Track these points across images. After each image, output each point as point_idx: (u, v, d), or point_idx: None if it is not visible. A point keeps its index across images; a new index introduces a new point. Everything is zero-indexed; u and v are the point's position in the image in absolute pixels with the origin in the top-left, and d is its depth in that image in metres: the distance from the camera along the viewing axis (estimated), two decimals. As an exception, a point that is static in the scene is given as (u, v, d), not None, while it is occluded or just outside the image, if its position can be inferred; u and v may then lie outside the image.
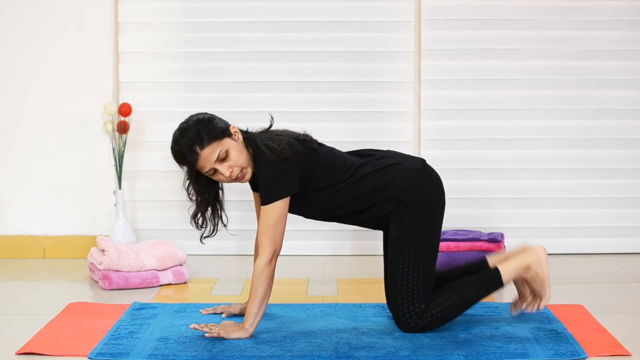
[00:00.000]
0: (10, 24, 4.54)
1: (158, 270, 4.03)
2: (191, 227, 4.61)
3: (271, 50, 4.61)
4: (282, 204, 3.12)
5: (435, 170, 3.32)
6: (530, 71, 4.61)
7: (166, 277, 4.04)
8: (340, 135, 4.59)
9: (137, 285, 3.97)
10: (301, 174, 3.17)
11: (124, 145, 4.49)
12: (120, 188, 4.51)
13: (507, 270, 3.22)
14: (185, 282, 4.08)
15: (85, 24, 4.55)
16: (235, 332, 3.14)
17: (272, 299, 3.64)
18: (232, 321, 3.23)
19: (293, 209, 3.27)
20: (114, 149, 4.48)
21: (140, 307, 3.58)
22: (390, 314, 3.45)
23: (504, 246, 4.32)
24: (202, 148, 3.09)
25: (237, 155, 3.13)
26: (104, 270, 3.96)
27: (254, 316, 3.14)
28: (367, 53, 4.62)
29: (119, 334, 3.21)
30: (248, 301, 3.18)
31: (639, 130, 4.64)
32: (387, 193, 3.20)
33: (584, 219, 4.66)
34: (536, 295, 3.26)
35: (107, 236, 4.50)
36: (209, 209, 3.29)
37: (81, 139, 4.58)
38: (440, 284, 3.31)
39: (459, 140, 4.63)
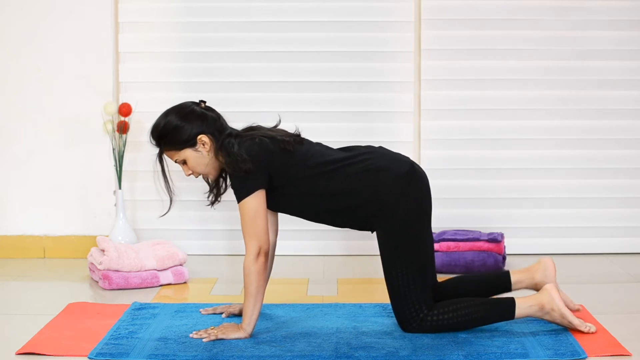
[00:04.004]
0: (10, 24, 4.54)
1: (158, 270, 4.03)
2: (191, 227, 4.65)
3: (271, 50, 4.61)
4: (255, 198, 3.14)
5: (424, 170, 3.30)
6: (530, 71, 4.61)
7: (166, 277, 4.04)
8: (340, 135, 4.59)
9: (137, 285, 3.97)
10: (271, 171, 3.18)
11: (124, 145, 4.49)
12: (120, 188, 4.51)
13: (521, 305, 3.18)
14: (185, 282, 4.08)
15: (85, 24, 4.55)
16: (233, 332, 3.14)
17: (272, 299, 3.64)
18: (232, 322, 3.23)
19: (278, 208, 3.29)
20: (114, 149, 4.48)
21: (140, 307, 3.58)
22: (391, 314, 3.45)
23: (504, 246, 4.32)
24: (161, 150, 3.26)
25: (194, 164, 3.24)
26: (104, 270, 3.96)
27: (250, 315, 3.15)
28: (367, 53, 4.62)
29: (119, 334, 3.21)
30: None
31: (639, 130, 4.64)
32: (371, 195, 3.18)
33: (584, 219, 4.66)
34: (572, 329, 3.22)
35: (107, 236, 4.50)
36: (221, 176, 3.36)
37: (81, 139, 4.58)
38: (459, 289, 3.32)
39: (458, 140, 4.63)
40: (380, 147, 3.34)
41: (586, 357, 2.95)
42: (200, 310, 3.52)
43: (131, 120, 4.53)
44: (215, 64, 4.62)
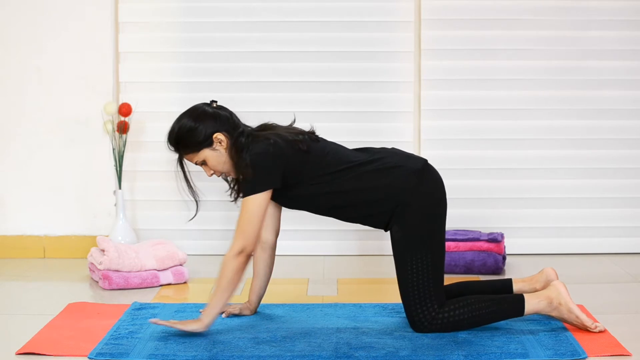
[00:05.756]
0: (10, 24, 4.54)
1: (158, 270, 4.03)
2: (191, 227, 4.65)
3: (271, 50, 4.61)
4: (260, 198, 3.14)
5: (436, 170, 3.31)
6: (530, 71, 4.61)
7: (166, 277, 4.04)
8: (340, 135, 4.57)
9: (137, 285, 3.97)
10: (286, 171, 3.19)
11: (124, 145, 4.49)
12: (120, 188, 4.51)
13: (530, 301, 3.19)
14: (185, 282, 4.08)
15: (85, 24, 4.56)
16: (190, 324, 3.13)
17: (272, 299, 3.65)
18: (192, 319, 3.22)
19: (292, 205, 3.30)
20: (114, 149, 4.48)
21: (140, 307, 3.58)
22: (391, 314, 3.45)
23: (504, 246, 4.32)
24: (180, 155, 3.27)
25: (214, 164, 3.25)
26: (104, 270, 3.96)
27: (212, 307, 3.14)
28: (367, 53, 4.62)
29: (119, 334, 3.21)
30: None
31: (639, 130, 4.64)
32: (386, 192, 3.19)
33: (584, 219, 4.66)
34: (579, 327, 3.22)
35: (107, 236, 4.50)
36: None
37: (81, 139, 4.58)
38: (462, 293, 3.32)
39: (459, 140, 4.63)
40: (394, 148, 3.35)
41: (586, 357, 2.95)
42: (200, 311, 3.51)
43: (131, 120, 4.53)
44: (215, 64, 4.62)
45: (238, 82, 4.62)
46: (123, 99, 4.59)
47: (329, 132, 4.53)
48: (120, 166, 4.49)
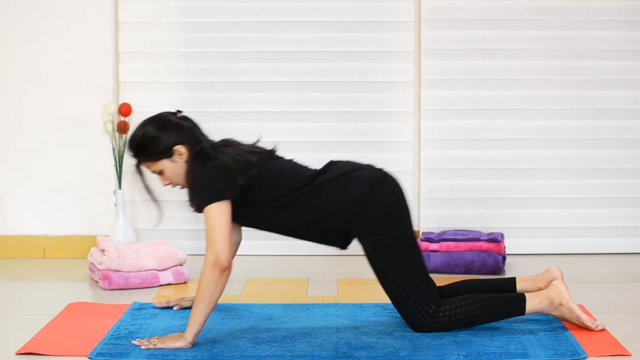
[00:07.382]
0: (10, 24, 4.54)
1: (158, 270, 4.03)
2: (191, 227, 4.65)
3: (271, 50, 4.61)
4: (220, 206, 3.09)
5: (395, 176, 3.25)
6: (530, 71, 4.61)
7: (166, 277, 4.04)
8: (340, 135, 4.59)
9: (137, 285, 3.97)
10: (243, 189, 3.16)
11: (124, 145, 4.49)
12: (120, 188, 4.51)
13: (531, 300, 3.19)
14: (185, 282, 4.08)
15: (85, 24, 4.56)
16: (173, 342, 3.05)
17: (272, 299, 3.64)
18: (177, 332, 3.14)
19: (249, 222, 3.28)
20: (114, 149, 4.48)
21: (140, 307, 3.58)
22: (391, 314, 3.45)
23: (504, 246, 4.32)
24: (138, 161, 3.24)
25: (171, 175, 3.21)
26: (104, 270, 3.97)
27: (194, 323, 3.06)
28: (367, 53, 4.62)
29: (119, 334, 3.21)
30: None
31: (639, 130, 4.64)
32: (339, 206, 3.16)
33: (584, 219, 4.66)
34: (579, 326, 3.22)
35: (107, 236, 4.50)
36: None
37: (81, 139, 4.58)
38: (464, 292, 3.31)
39: (458, 140, 4.63)
40: (348, 161, 3.30)
41: (586, 357, 2.95)
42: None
43: (131, 120, 4.53)
44: (215, 64, 4.62)
45: (238, 82, 4.62)
46: (123, 99, 4.59)
47: (329, 132, 4.55)
48: (120, 166, 4.49)
